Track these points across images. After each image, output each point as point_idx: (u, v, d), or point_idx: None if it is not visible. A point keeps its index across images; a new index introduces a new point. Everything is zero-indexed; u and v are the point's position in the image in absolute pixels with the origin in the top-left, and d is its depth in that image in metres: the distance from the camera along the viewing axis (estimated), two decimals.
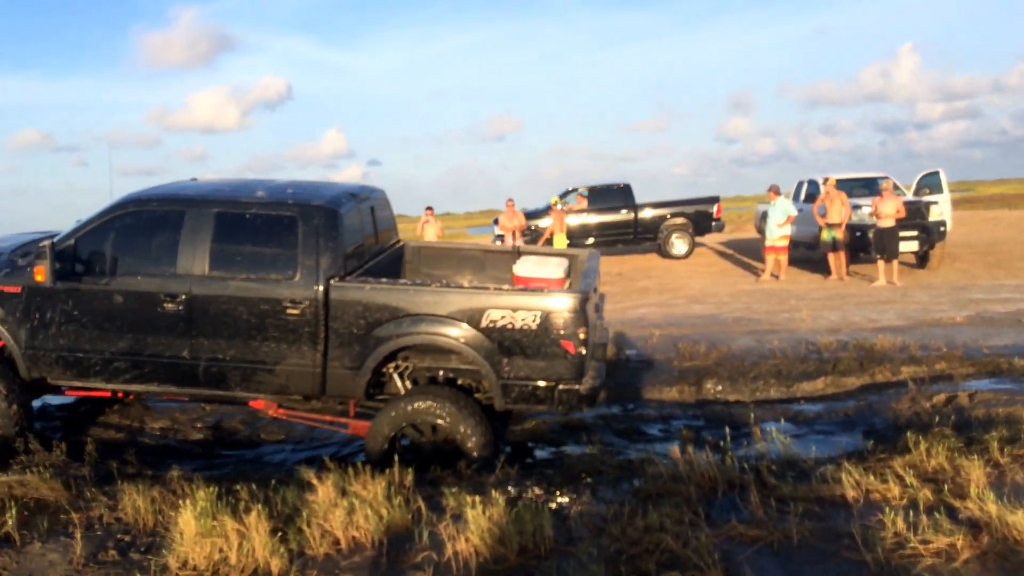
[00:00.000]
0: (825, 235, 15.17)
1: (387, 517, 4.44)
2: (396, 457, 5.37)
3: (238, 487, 4.86)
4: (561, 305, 5.56)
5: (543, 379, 5.61)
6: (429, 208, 17.48)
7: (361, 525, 4.35)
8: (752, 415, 6.24)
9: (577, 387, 5.64)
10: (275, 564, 4.02)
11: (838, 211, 14.95)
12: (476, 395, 5.94)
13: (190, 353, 5.89)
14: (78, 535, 4.41)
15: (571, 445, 6.25)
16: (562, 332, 5.51)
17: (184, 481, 5.14)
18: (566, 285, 6.69)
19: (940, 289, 13.25)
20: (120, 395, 6.87)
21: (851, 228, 15.05)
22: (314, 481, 4.84)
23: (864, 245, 15.01)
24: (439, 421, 5.61)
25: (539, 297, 5.64)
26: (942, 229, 15.30)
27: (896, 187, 16.16)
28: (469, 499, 4.29)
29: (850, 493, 4.35)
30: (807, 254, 17.02)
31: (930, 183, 17.30)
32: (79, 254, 5.92)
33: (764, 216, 16.63)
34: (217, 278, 5.83)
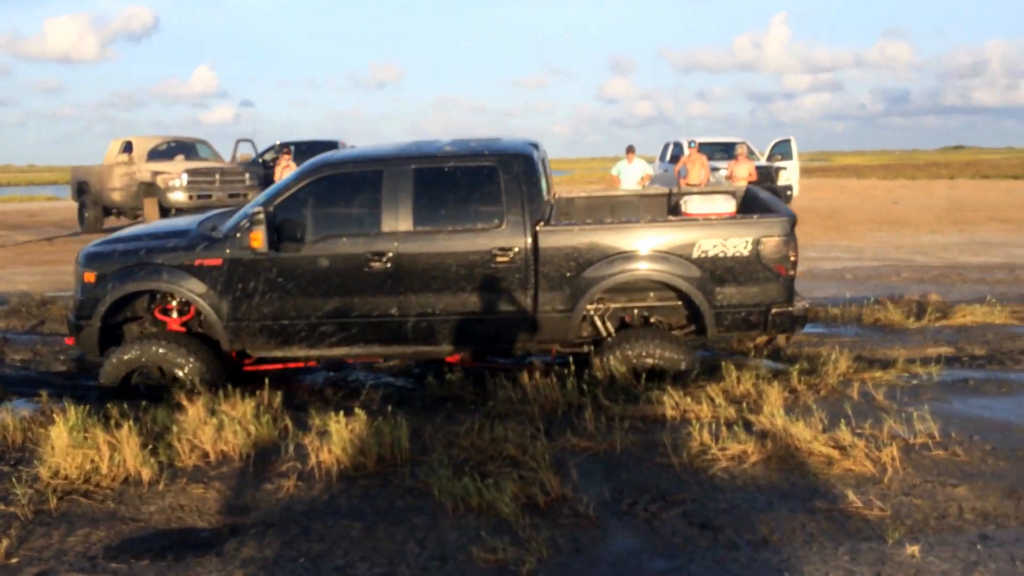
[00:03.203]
0: None
1: (255, 433, 4.79)
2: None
3: (108, 406, 5.08)
4: (774, 230, 5.75)
5: (756, 304, 5.80)
6: (287, 152, 17.33)
7: (230, 440, 4.68)
8: (592, 349, 6.86)
9: (790, 309, 5.84)
10: (146, 473, 4.31)
11: (698, 173, 15.94)
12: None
13: (399, 311, 5.87)
14: None
15: (433, 377, 6.69)
16: (775, 256, 5.71)
17: (53, 403, 5.30)
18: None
19: None
20: (311, 364, 6.72)
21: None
22: (184, 402, 5.11)
23: None
24: (656, 356, 5.78)
25: (751, 224, 5.82)
26: (788, 193, 16.60)
27: (751, 152, 17.32)
28: (334, 415, 4.69)
29: (669, 412, 5.02)
30: None
31: (782, 150, 18.63)
32: (279, 221, 5.80)
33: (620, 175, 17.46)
34: (423, 233, 5.82)
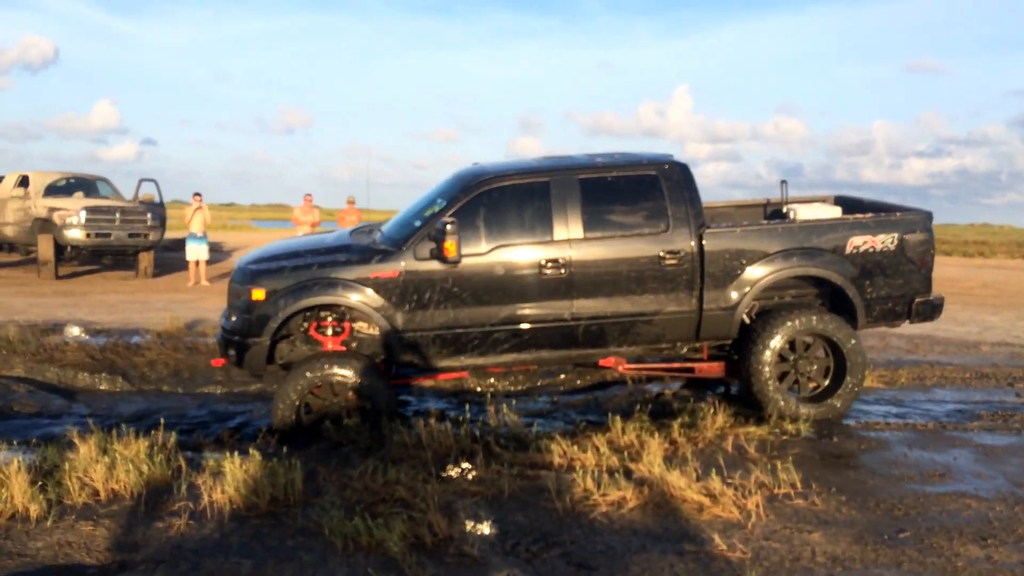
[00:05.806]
0: None
1: (148, 472, 4.81)
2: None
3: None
4: (917, 225, 6.47)
5: (902, 295, 6.49)
6: (197, 195, 17.25)
7: (121, 479, 4.69)
8: (489, 397, 7.11)
9: (931, 298, 6.57)
10: (33, 510, 4.29)
11: None
12: None
13: (571, 315, 6.17)
14: None
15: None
16: (919, 249, 6.44)
17: None
18: None
19: None
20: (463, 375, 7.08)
21: None
22: (76, 440, 5.08)
23: None
24: (821, 330, 6.34)
25: (898, 221, 6.47)
26: None
27: None
28: (228, 456, 4.76)
29: (556, 460, 5.28)
30: None
31: None
32: None
33: None
34: (594, 239, 6.19)
